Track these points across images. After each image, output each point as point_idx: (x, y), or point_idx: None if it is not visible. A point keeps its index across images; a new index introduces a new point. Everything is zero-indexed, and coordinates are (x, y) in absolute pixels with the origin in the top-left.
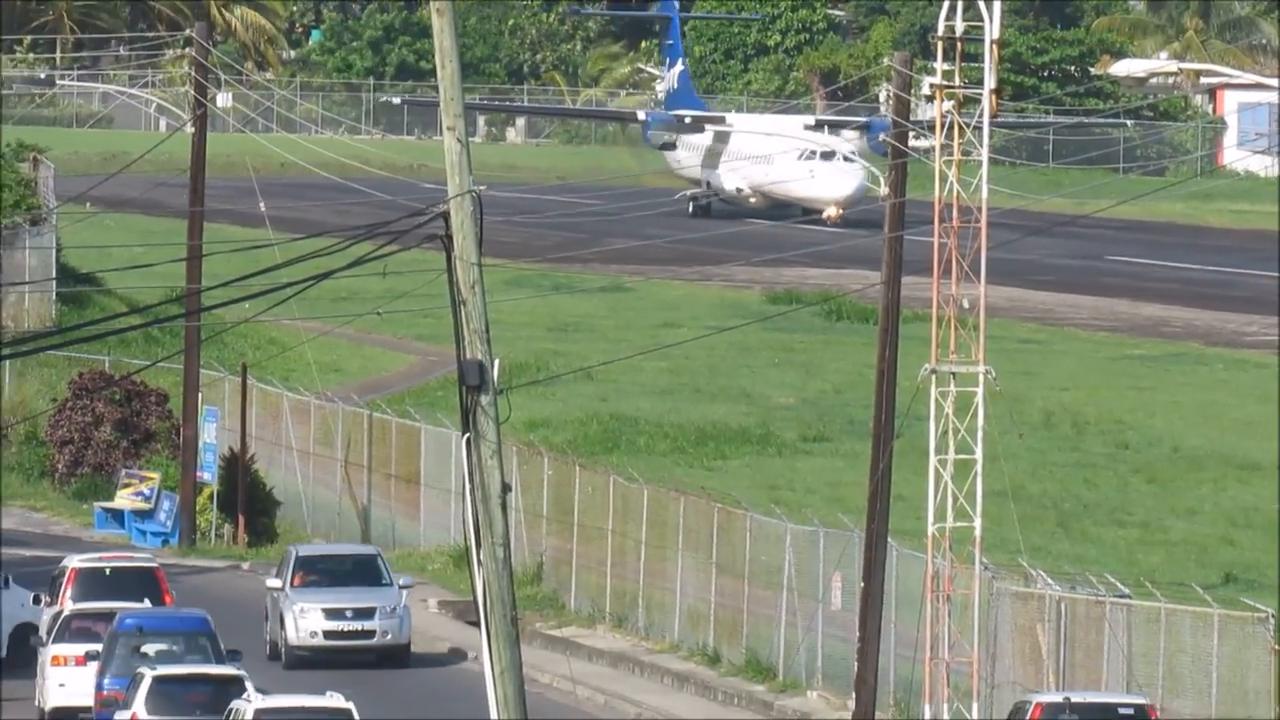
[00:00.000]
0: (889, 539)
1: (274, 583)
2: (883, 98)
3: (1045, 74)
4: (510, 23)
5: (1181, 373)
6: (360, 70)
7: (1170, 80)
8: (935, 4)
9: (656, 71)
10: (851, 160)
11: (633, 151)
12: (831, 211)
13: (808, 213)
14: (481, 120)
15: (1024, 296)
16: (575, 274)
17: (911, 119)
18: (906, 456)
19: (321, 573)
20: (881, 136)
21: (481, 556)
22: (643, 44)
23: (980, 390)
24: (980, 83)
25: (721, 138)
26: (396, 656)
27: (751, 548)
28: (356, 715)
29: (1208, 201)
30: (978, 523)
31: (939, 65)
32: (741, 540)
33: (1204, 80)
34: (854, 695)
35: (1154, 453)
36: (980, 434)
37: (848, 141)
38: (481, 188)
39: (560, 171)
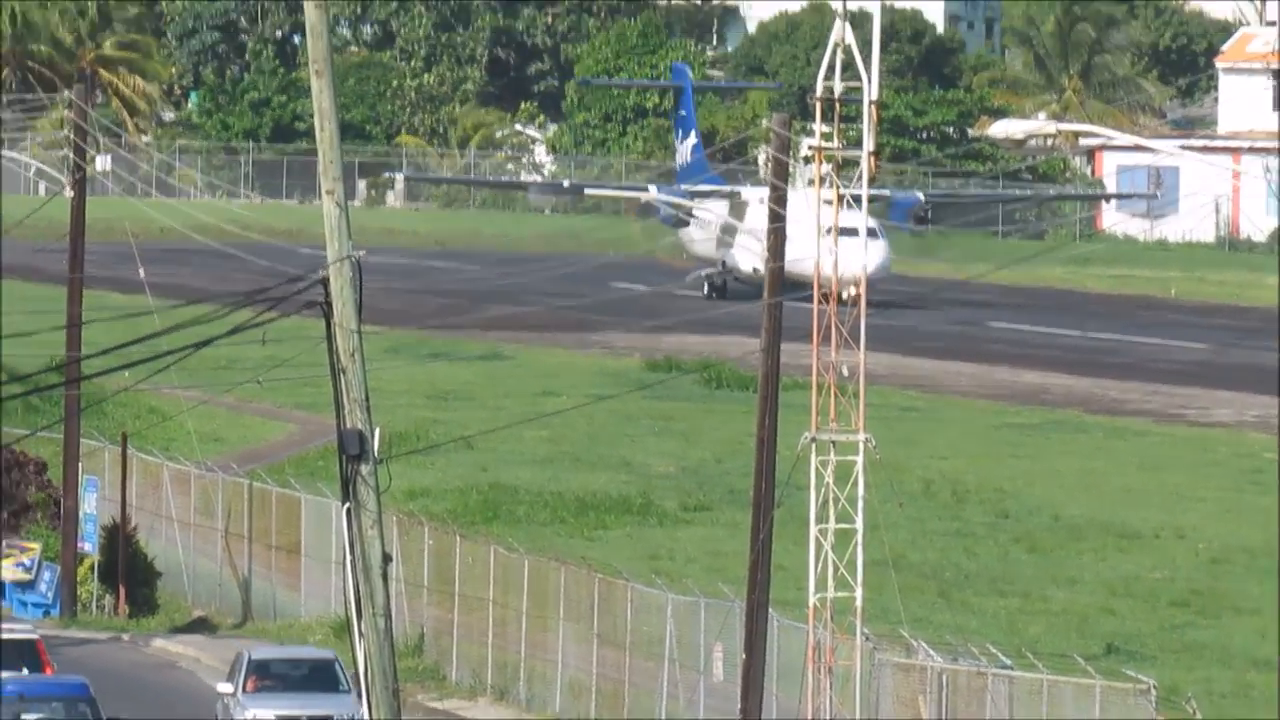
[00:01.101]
0: (770, 609)
1: (225, 687)
2: (761, 160)
3: (924, 136)
4: (395, 84)
5: (1061, 440)
6: (239, 132)
7: (1049, 142)
8: (814, 65)
9: (535, 134)
10: (874, 236)
11: (643, 227)
12: (853, 290)
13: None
14: (361, 184)
15: (904, 364)
16: (454, 341)
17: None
18: (787, 525)
19: (275, 677)
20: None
21: (363, 627)
22: (522, 105)
23: (860, 459)
24: (859, 144)
25: (737, 213)
26: None
27: (633, 618)
28: None
29: (1085, 266)
30: (859, 593)
31: (817, 127)
32: (623, 611)
33: (1083, 141)
34: None
35: (1034, 521)
36: (861, 503)
37: (869, 217)
38: (361, 253)
39: (439, 236)
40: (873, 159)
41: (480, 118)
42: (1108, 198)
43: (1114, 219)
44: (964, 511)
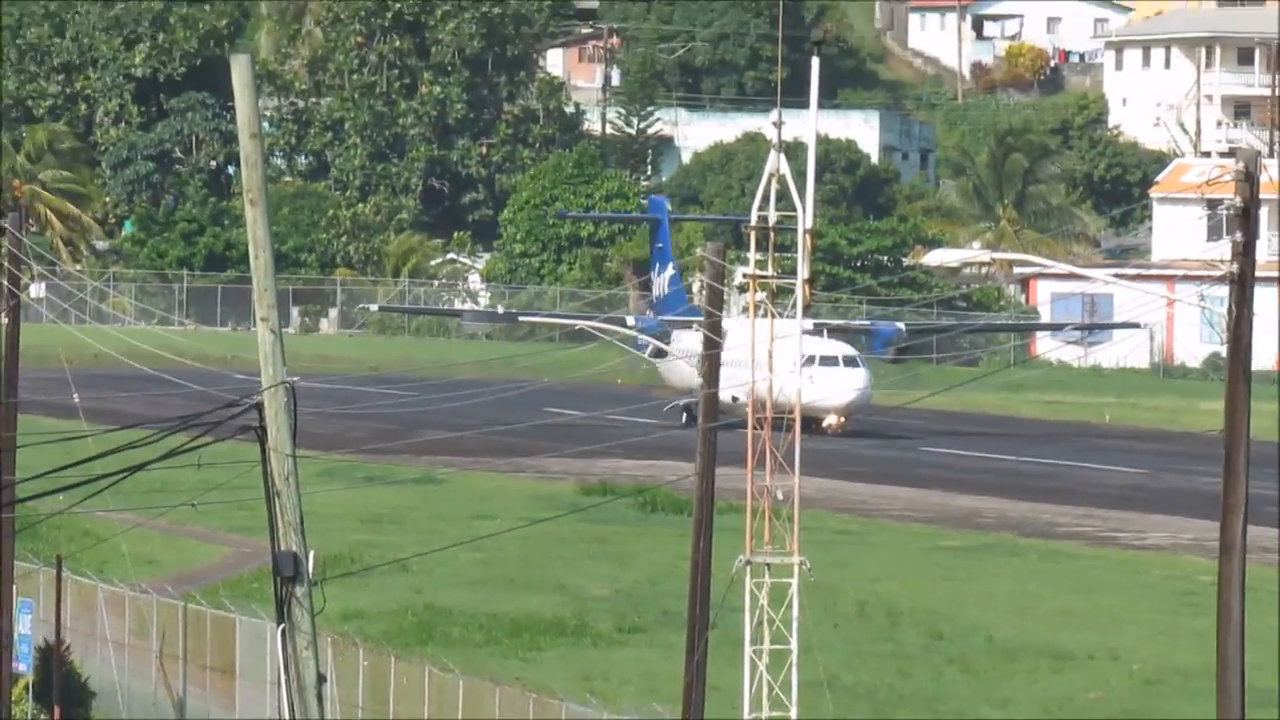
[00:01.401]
0: None
1: None
2: (696, 288)
3: (859, 264)
4: (330, 213)
5: (995, 563)
6: (172, 260)
7: (983, 270)
8: (748, 195)
9: (468, 262)
10: (854, 365)
11: (623, 358)
12: (832, 420)
13: (806, 423)
14: (295, 311)
15: (837, 487)
16: (388, 465)
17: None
18: (721, 647)
19: None
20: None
21: None
22: (455, 234)
23: (795, 581)
24: (793, 272)
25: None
26: None
27: None
28: None
29: (1018, 392)
30: (793, 713)
31: (752, 255)
32: None
33: (1017, 270)
34: None
35: (968, 643)
36: (795, 625)
37: (849, 347)
38: (295, 379)
39: (373, 362)
40: (807, 287)
41: (411, 244)
42: (1089, 328)
43: (1047, 346)
44: (898, 633)
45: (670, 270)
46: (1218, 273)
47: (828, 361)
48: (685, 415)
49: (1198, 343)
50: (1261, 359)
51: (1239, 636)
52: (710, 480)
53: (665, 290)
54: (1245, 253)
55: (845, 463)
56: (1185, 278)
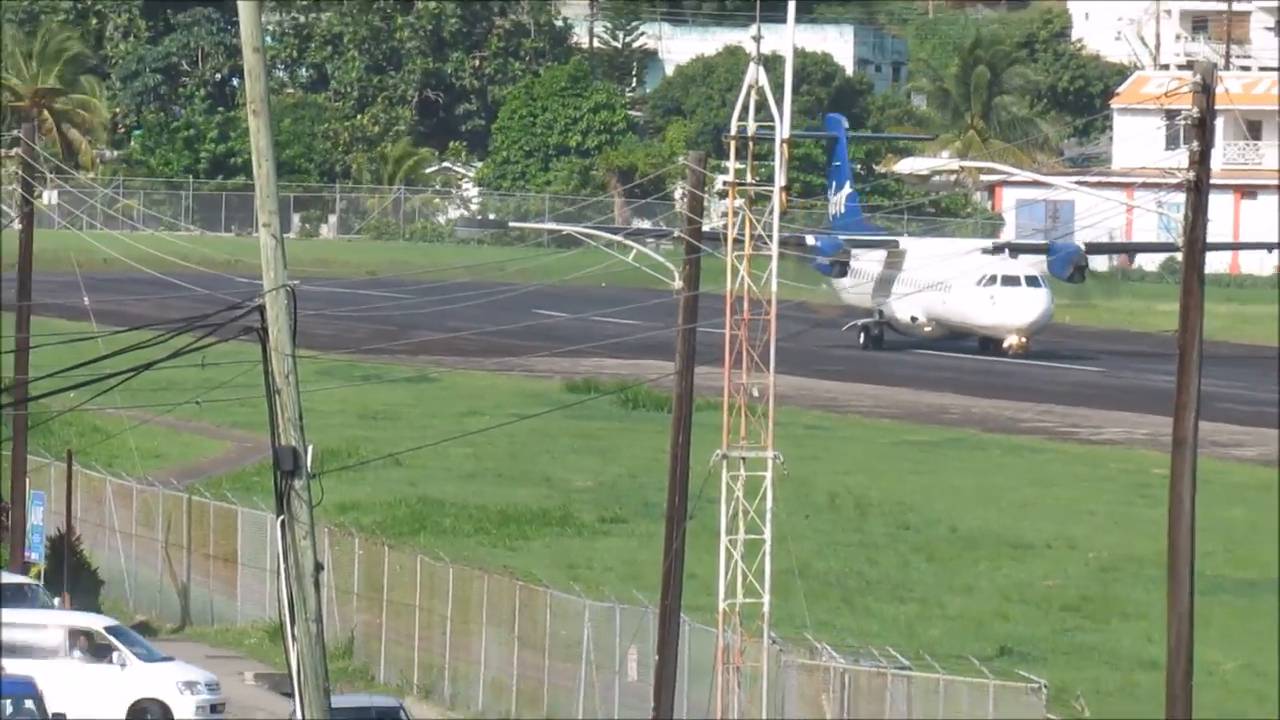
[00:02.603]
0: (682, 614)
1: None
2: (678, 195)
3: None
4: (324, 126)
5: (959, 457)
6: (179, 169)
7: (952, 178)
8: (729, 105)
9: (463, 170)
10: (1035, 285)
11: (799, 273)
12: (1014, 340)
13: (986, 344)
14: (296, 217)
15: (811, 385)
16: (384, 365)
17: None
18: (699, 537)
19: None
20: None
21: (295, 632)
22: (450, 144)
23: (769, 474)
24: (770, 180)
25: (894, 262)
26: None
27: (551, 623)
28: None
29: None
30: (766, 599)
31: (731, 164)
32: (542, 616)
33: (984, 178)
34: None
35: (933, 533)
36: (769, 515)
37: (1030, 266)
38: (295, 282)
39: (370, 266)
40: (784, 194)
41: (407, 153)
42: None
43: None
44: (866, 523)
45: (847, 189)
46: (1175, 180)
47: (1010, 281)
48: (863, 335)
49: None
50: (1215, 264)
51: (1190, 526)
52: (689, 378)
53: (842, 209)
54: (1201, 161)
55: (818, 361)
56: (1144, 185)
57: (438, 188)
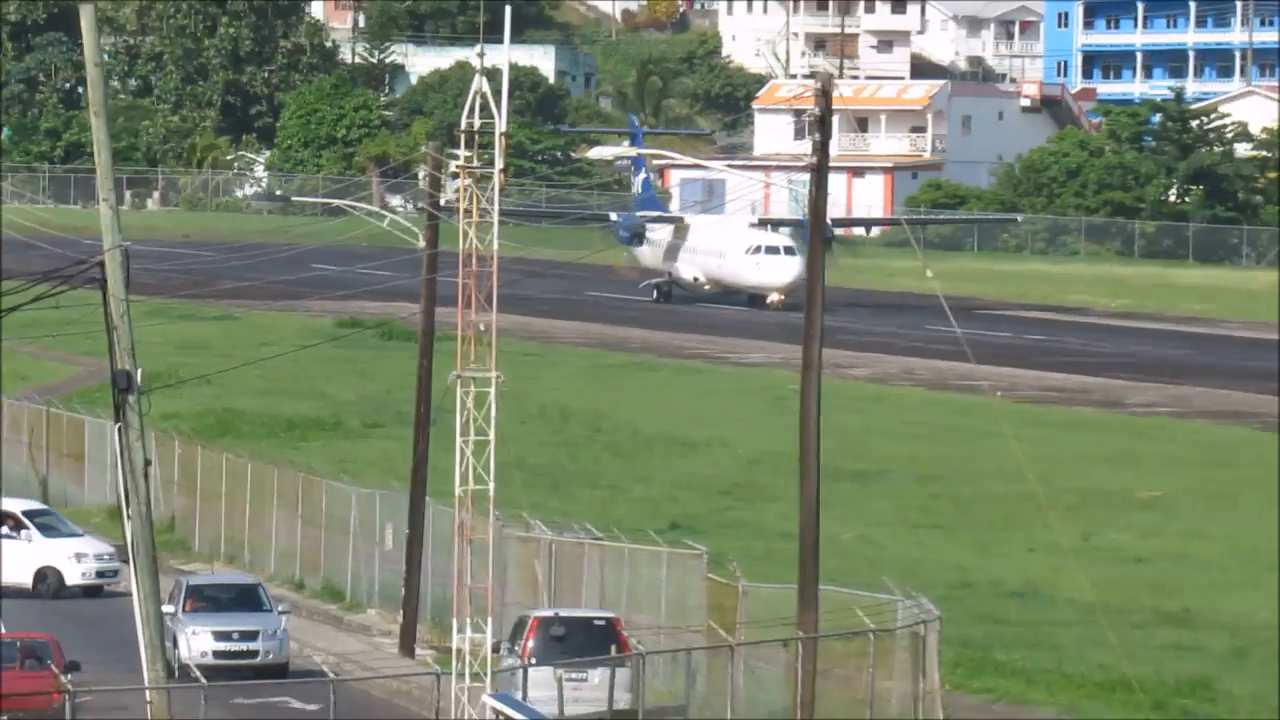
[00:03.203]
0: (427, 499)
1: (167, 608)
2: (421, 176)
3: (539, 159)
4: (148, 123)
5: (640, 376)
6: (38, 155)
7: (630, 161)
8: (459, 107)
9: (255, 157)
10: (791, 253)
11: (604, 244)
12: (775, 296)
13: (753, 299)
14: (128, 194)
15: (526, 321)
16: (197, 306)
17: (442, 190)
18: (440, 439)
19: (209, 599)
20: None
21: (130, 513)
22: (245, 137)
23: (493, 390)
24: (492, 164)
25: (680, 234)
26: (277, 672)
27: (327, 505)
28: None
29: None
30: (491, 486)
31: (462, 152)
32: (320, 500)
33: (655, 162)
34: (402, 612)
35: (619, 435)
36: (493, 422)
37: (788, 239)
38: (128, 244)
39: (185, 231)
40: (502, 175)
41: (212, 144)
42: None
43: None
44: (568, 428)
45: (644, 175)
46: (802, 164)
47: (772, 250)
48: (656, 292)
49: (786, 214)
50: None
51: (815, 429)
52: (431, 316)
53: (640, 192)
54: (822, 149)
55: (531, 302)
56: (778, 167)
57: (236, 170)
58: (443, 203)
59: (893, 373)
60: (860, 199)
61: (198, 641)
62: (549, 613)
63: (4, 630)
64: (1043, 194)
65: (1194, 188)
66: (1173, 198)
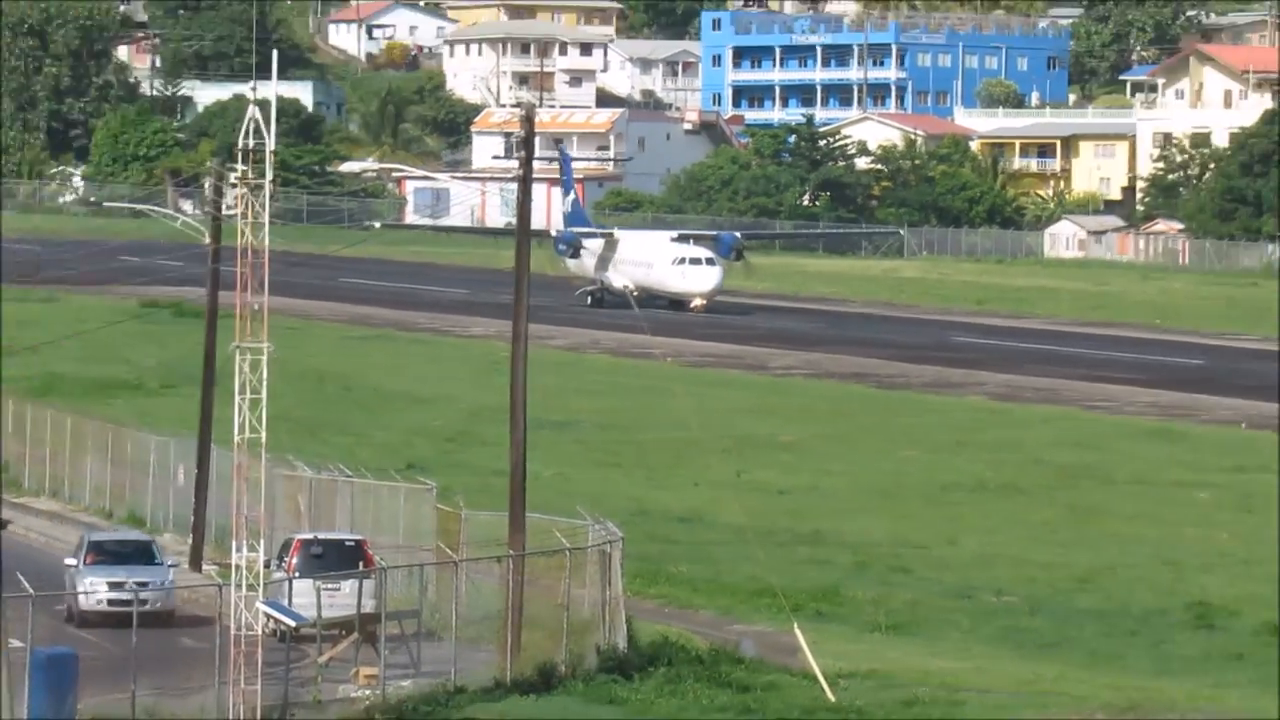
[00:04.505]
0: (212, 445)
1: (70, 561)
2: (207, 185)
3: (300, 171)
4: None
5: (381, 346)
6: None
7: (373, 174)
8: (238, 131)
9: (73, 170)
10: (713, 264)
11: (548, 257)
12: (698, 302)
13: (675, 304)
14: None
15: (291, 303)
16: (27, 290)
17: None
18: (222, 397)
19: (108, 553)
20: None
21: None
22: (65, 155)
23: (265, 358)
24: (264, 175)
25: (611, 247)
26: (164, 619)
27: (131, 450)
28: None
29: (400, 245)
30: (263, 434)
31: (240, 166)
32: (126, 446)
33: (394, 174)
34: (191, 536)
35: (366, 392)
36: (265, 383)
37: (709, 251)
38: None
39: (15, 231)
40: (273, 185)
41: (38, 159)
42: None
43: (412, 218)
44: (323, 386)
45: (573, 194)
46: (510, 175)
47: (695, 261)
48: (590, 298)
49: (499, 216)
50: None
51: (523, 386)
52: (215, 298)
53: (569, 209)
54: (526, 163)
55: (293, 286)
56: (492, 179)
57: (58, 181)
58: (224, 208)
59: (584, 343)
60: (557, 204)
61: (94, 590)
62: (309, 536)
63: None
64: (703, 199)
65: (823, 194)
66: (806, 202)
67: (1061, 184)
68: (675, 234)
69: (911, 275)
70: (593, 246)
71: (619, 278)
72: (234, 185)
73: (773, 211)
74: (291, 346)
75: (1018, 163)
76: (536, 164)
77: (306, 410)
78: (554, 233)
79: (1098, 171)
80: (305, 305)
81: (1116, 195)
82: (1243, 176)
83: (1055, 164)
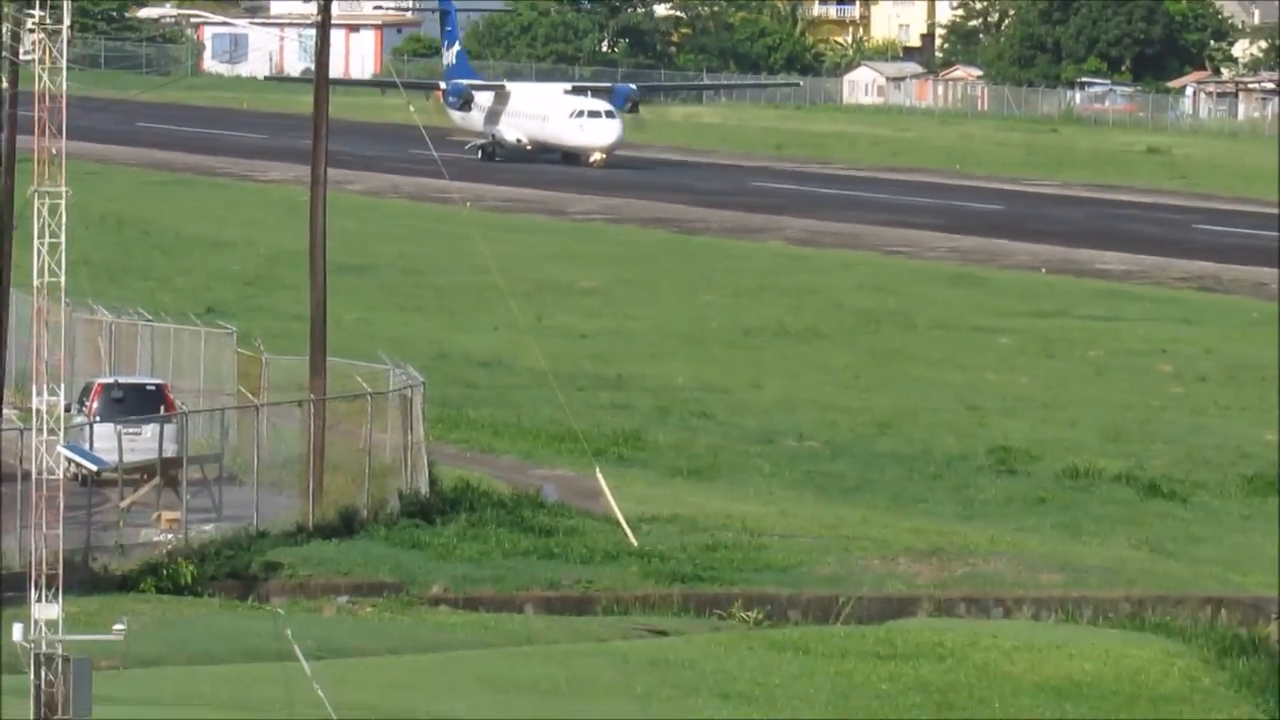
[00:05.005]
0: (12, 289)
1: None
2: (4, 32)
3: (100, 15)
4: None
5: (181, 190)
6: None
7: (172, 19)
8: None
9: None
10: (613, 117)
11: (436, 109)
12: (597, 156)
13: (569, 158)
14: None
15: (90, 147)
16: None
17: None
18: (22, 241)
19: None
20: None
21: None
22: None
23: (64, 203)
24: (61, 21)
25: (501, 100)
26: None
27: None
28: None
29: (198, 90)
30: (63, 279)
31: (36, 11)
32: None
33: (192, 20)
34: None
35: (165, 237)
36: (64, 228)
37: (608, 104)
38: None
39: None
40: (70, 30)
41: None
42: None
43: (209, 64)
44: (122, 232)
45: (457, 47)
46: (309, 21)
47: (594, 115)
48: (480, 152)
49: (297, 63)
50: (337, 70)
51: (322, 231)
52: (13, 143)
53: (453, 62)
54: (325, 9)
55: (93, 131)
56: (290, 24)
57: None
58: (21, 53)
59: (384, 188)
60: (355, 50)
61: None
62: (110, 380)
63: None
64: (501, 45)
65: (622, 40)
66: (605, 48)
67: (860, 31)
68: (569, 86)
69: (710, 121)
70: (481, 100)
71: (512, 131)
72: (31, 31)
73: (571, 58)
74: (91, 191)
75: (817, 9)
76: (339, 8)
77: (106, 254)
78: (443, 86)
79: (897, 19)
80: (105, 150)
81: (915, 42)
82: (1042, 24)
83: (854, 10)
